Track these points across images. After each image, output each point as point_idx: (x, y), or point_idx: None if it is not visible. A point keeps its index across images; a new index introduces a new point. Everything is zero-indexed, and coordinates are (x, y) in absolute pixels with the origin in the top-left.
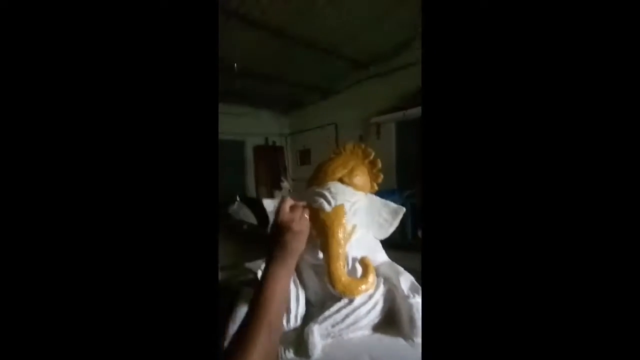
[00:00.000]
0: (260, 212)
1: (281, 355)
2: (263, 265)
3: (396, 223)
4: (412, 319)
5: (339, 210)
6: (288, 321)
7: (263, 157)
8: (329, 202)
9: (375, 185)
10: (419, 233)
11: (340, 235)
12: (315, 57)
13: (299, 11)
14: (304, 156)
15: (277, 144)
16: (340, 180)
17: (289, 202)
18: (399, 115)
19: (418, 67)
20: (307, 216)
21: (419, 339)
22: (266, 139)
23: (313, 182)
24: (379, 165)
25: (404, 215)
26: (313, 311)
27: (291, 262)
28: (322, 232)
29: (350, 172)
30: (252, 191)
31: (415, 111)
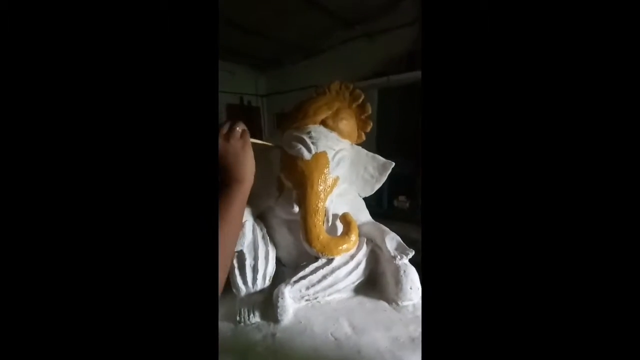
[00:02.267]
0: None
1: (245, 318)
2: None
3: (383, 179)
4: (398, 281)
5: (320, 158)
6: (255, 281)
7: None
8: (308, 149)
9: (362, 134)
10: (395, 202)
11: (321, 187)
12: (298, 9)
13: None
14: (282, 120)
15: (253, 104)
16: (323, 124)
17: (226, 126)
18: (382, 80)
19: (406, 29)
20: (246, 138)
21: (404, 302)
22: (241, 98)
23: (291, 123)
24: (369, 110)
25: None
26: (285, 272)
27: (233, 196)
28: (300, 183)
29: (336, 115)
30: None
31: (399, 78)
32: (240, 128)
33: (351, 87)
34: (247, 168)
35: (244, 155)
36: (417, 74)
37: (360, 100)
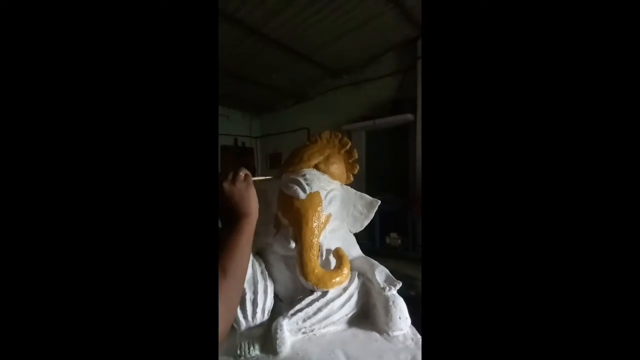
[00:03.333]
0: None
1: (245, 351)
2: None
3: (371, 215)
4: (387, 312)
5: (314, 197)
6: (254, 315)
7: (231, 158)
8: (303, 189)
9: (351, 176)
10: (387, 240)
11: (315, 223)
12: (290, 60)
13: (275, 11)
14: (275, 160)
15: (247, 145)
16: (316, 167)
17: (231, 173)
18: (369, 124)
19: (388, 79)
20: (249, 180)
21: (394, 332)
22: (235, 139)
23: (287, 168)
24: (356, 155)
25: (373, 221)
26: (282, 306)
27: (243, 228)
28: (296, 220)
29: (327, 160)
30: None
31: (384, 121)
32: (243, 172)
33: (340, 135)
34: (252, 203)
35: (248, 193)
36: (400, 118)
37: (348, 146)
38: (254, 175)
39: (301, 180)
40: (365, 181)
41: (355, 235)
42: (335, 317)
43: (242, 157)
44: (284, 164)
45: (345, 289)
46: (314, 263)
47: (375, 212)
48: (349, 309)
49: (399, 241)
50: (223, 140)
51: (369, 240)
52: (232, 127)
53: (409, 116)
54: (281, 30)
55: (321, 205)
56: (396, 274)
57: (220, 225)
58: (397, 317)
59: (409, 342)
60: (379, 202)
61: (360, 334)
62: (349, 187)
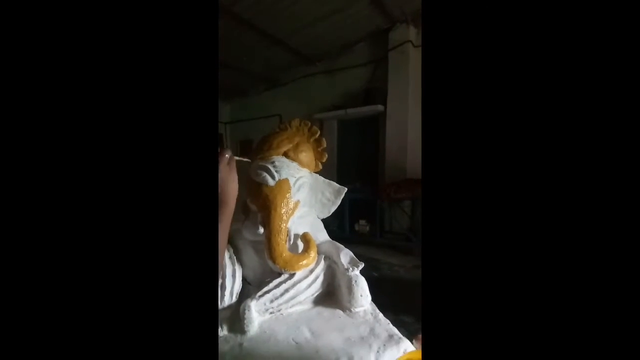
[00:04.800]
0: None
1: None
2: None
3: (338, 202)
4: (350, 290)
5: (283, 184)
6: (222, 298)
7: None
8: (272, 176)
9: (319, 164)
10: (356, 226)
11: (283, 209)
12: (264, 45)
13: None
14: (246, 146)
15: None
16: (285, 155)
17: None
18: (341, 113)
19: (361, 69)
20: (232, 165)
21: (356, 309)
22: None
23: (256, 154)
24: (324, 144)
25: (343, 209)
26: (250, 289)
27: (222, 213)
28: (264, 206)
29: (296, 147)
30: None
31: (355, 111)
32: (228, 154)
33: (309, 123)
34: (232, 192)
35: (230, 181)
36: (372, 108)
37: (317, 135)
38: None
39: (270, 167)
40: (337, 169)
41: (326, 222)
42: (302, 297)
43: None
44: (253, 150)
45: (311, 271)
46: (282, 247)
47: (345, 200)
48: (315, 289)
49: (367, 228)
50: None
51: (338, 227)
52: None
53: (380, 107)
54: (253, 10)
55: (290, 192)
56: (362, 257)
57: None
58: (359, 295)
59: (369, 317)
60: (346, 189)
61: (324, 311)
62: (318, 175)
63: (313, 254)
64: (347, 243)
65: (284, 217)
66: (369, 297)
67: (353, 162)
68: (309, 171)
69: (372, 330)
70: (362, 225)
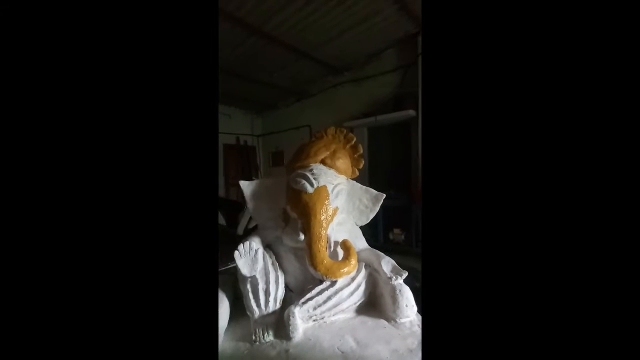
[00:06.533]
0: (229, 212)
1: (260, 337)
2: None
3: (376, 209)
4: (395, 300)
5: (321, 191)
6: (267, 304)
7: (234, 156)
8: (311, 184)
9: (356, 170)
10: (390, 235)
11: (323, 216)
12: (291, 59)
13: (275, 10)
14: (277, 157)
15: (249, 144)
16: (323, 162)
17: None
18: (370, 120)
19: (389, 75)
20: None
21: (401, 319)
22: (237, 138)
23: (294, 163)
24: (361, 150)
25: (376, 217)
26: (292, 296)
27: None
28: (304, 214)
29: (333, 155)
30: (220, 190)
31: (385, 118)
32: None
33: (345, 131)
34: None
35: None
36: (401, 114)
37: (353, 141)
38: (256, 174)
39: (309, 175)
40: (368, 178)
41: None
42: (344, 305)
43: (245, 155)
44: (291, 159)
45: (353, 279)
46: (323, 254)
47: (379, 208)
48: (357, 297)
49: (402, 237)
50: (226, 139)
51: (372, 236)
52: (234, 126)
53: (411, 112)
54: (281, 28)
55: (328, 198)
56: (401, 266)
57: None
58: (404, 305)
59: (416, 328)
60: (384, 195)
61: (368, 321)
62: (355, 182)
63: (354, 261)
64: (382, 252)
65: (324, 224)
66: (415, 308)
67: (384, 169)
68: (346, 178)
69: (420, 343)
70: (397, 234)
